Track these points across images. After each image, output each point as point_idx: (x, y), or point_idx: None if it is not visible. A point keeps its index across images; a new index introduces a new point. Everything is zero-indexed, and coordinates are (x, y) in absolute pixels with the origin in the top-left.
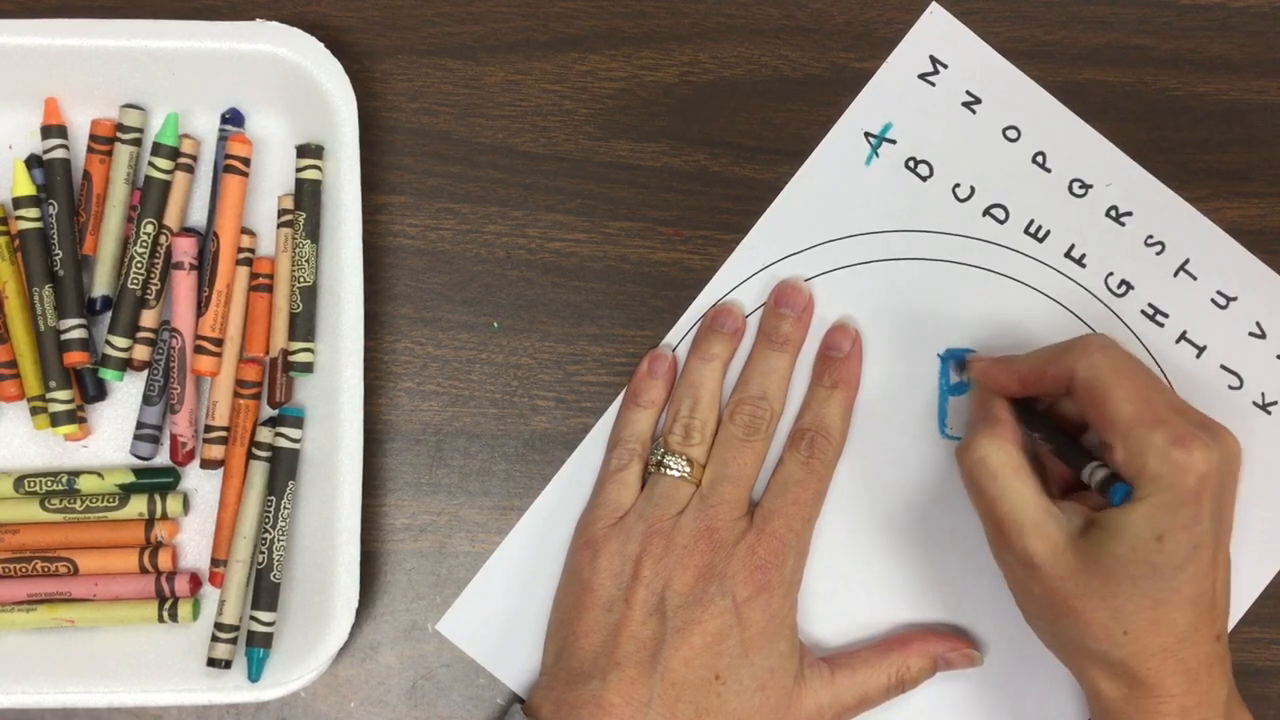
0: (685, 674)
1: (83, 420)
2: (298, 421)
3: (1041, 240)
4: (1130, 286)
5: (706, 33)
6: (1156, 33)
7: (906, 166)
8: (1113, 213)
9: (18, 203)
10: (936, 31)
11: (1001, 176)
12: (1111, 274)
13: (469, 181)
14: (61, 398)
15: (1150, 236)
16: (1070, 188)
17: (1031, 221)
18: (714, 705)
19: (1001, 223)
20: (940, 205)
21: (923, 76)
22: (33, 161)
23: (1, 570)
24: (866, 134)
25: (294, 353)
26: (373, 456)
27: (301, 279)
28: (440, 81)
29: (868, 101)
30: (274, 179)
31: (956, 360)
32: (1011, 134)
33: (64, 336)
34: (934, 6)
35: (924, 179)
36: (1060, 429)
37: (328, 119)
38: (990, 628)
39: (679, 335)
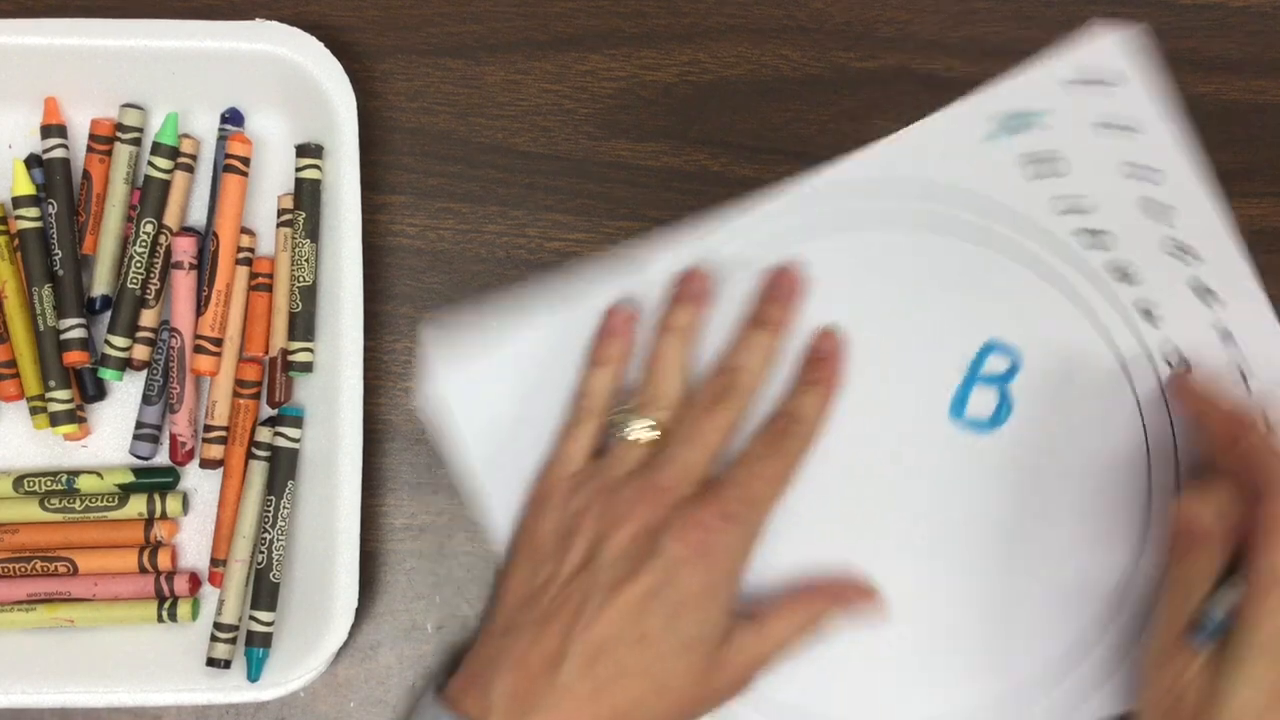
0: (608, 632)
1: (82, 420)
2: (297, 421)
3: (1120, 281)
4: (1187, 366)
5: (706, 33)
6: (1156, 33)
7: (1019, 161)
8: (1200, 290)
9: (17, 202)
10: (1103, 48)
11: (1108, 210)
12: (1175, 348)
13: (469, 181)
14: (61, 397)
15: (1228, 333)
16: (1169, 246)
17: (1116, 262)
18: (634, 666)
19: (1086, 249)
20: (1034, 210)
21: (1075, 83)
22: (32, 161)
23: (1, 570)
24: (996, 115)
25: (293, 352)
26: (372, 456)
27: (301, 279)
28: (440, 81)
29: (1010, 87)
30: (274, 179)
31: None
32: (1138, 173)
33: (63, 336)
34: (1104, 24)
35: (1029, 179)
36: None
37: (328, 119)
38: (973, 587)
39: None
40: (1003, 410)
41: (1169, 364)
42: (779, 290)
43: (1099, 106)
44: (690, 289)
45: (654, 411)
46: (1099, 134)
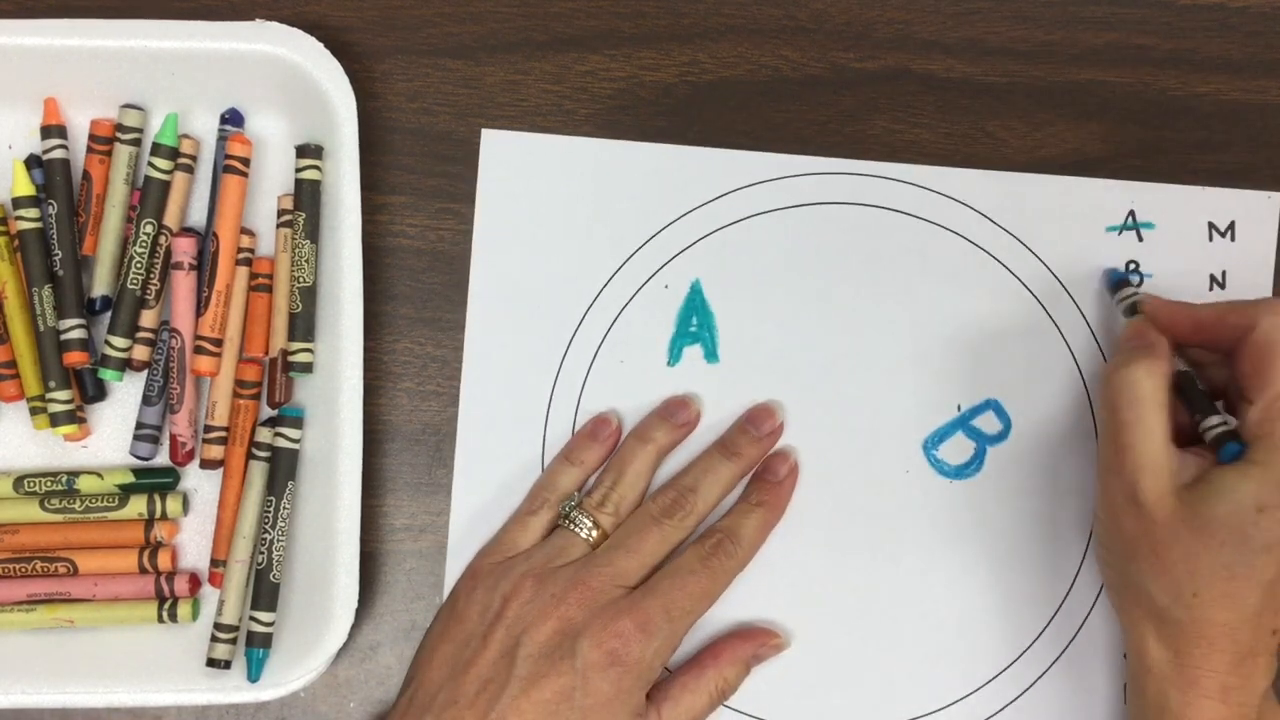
0: None
1: (82, 420)
2: (297, 422)
3: None
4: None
5: (706, 33)
6: (1156, 33)
7: (1112, 285)
8: None
9: (17, 203)
10: (1253, 205)
11: None
12: None
13: (469, 181)
14: (61, 398)
15: None
16: None
17: None
18: None
19: None
20: (1108, 310)
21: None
22: (32, 161)
23: (1, 570)
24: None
25: (293, 353)
26: (372, 456)
27: (301, 279)
28: (440, 81)
29: (1149, 190)
30: (274, 179)
31: (1115, 281)
32: None
33: (63, 337)
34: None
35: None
36: (1195, 377)
37: (327, 119)
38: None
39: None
40: (973, 466)
41: None
42: (756, 426)
43: (1219, 255)
44: (678, 414)
45: (604, 515)
46: (1197, 275)
